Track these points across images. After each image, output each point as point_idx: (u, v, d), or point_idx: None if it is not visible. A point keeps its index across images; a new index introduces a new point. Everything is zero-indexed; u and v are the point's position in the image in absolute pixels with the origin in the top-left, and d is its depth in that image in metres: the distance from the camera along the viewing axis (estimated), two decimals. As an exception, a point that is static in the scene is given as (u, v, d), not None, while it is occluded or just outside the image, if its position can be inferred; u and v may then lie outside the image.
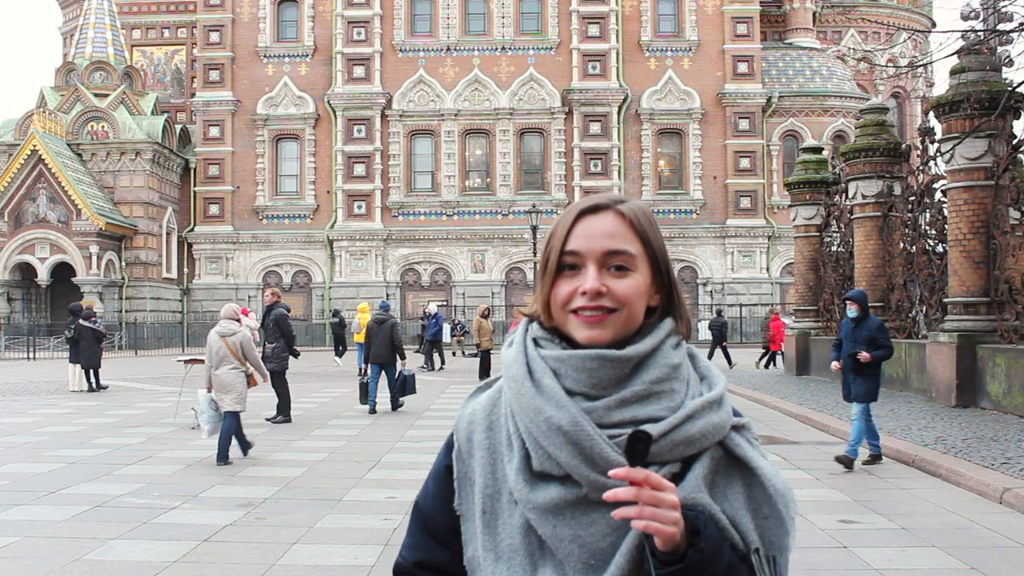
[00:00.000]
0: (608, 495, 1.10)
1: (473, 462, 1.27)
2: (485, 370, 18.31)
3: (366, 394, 13.50)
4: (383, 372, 13.43)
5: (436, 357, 23.45)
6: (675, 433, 1.19)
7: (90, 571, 5.16)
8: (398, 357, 13.39)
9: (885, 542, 5.73)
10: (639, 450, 1.11)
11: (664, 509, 1.09)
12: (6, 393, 16.81)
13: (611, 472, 1.11)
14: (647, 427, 1.17)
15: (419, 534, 1.33)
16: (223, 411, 8.85)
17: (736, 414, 1.26)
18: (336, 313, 26.90)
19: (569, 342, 1.26)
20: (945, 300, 13.37)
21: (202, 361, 10.76)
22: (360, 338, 21.61)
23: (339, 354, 25.21)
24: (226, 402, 8.83)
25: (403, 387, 13.28)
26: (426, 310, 24.04)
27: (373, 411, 13.24)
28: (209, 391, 8.98)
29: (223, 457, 8.74)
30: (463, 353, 29.20)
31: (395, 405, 13.54)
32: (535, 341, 1.28)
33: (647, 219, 1.28)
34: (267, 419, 12.11)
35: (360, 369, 21.45)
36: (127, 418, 12.70)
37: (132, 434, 10.97)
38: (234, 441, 8.96)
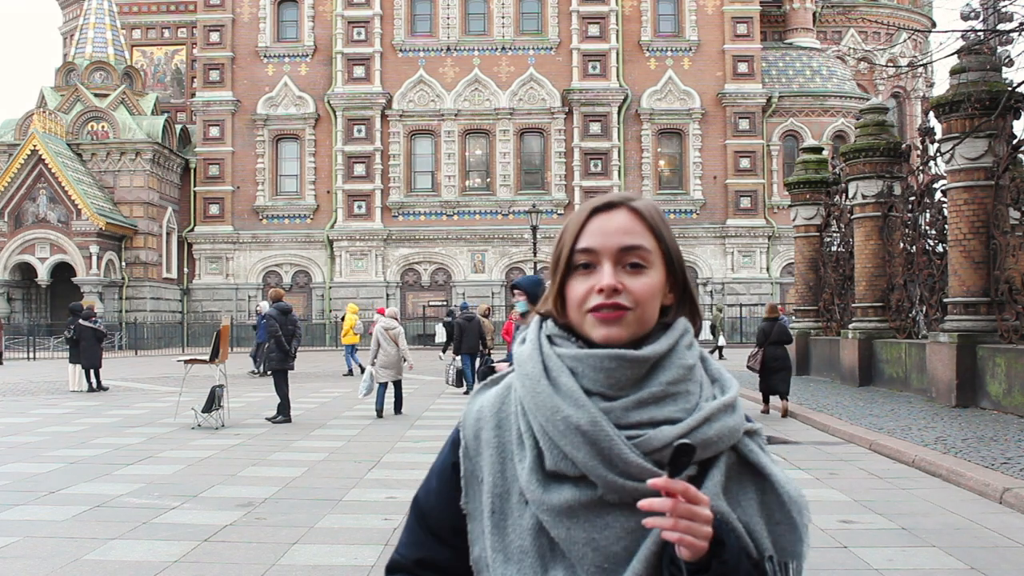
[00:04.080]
0: (643, 504, 1.09)
1: (481, 460, 1.25)
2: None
3: (461, 380, 15.73)
4: (472, 359, 15.90)
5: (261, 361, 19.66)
6: (693, 435, 1.17)
7: (90, 571, 5.15)
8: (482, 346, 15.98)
9: (885, 542, 5.72)
10: (682, 462, 1.10)
11: (699, 523, 1.08)
12: (6, 393, 16.80)
13: (650, 482, 1.09)
14: (666, 429, 1.16)
15: (419, 531, 1.31)
16: (377, 382, 12.36)
17: (747, 419, 1.25)
18: (451, 313, 27.74)
19: (585, 341, 1.24)
20: (945, 300, 13.37)
21: (202, 361, 13.17)
22: (349, 340, 21.38)
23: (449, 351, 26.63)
24: (382, 375, 12.34)
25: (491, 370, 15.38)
26: (257, 308, 21.84)
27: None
28: (372, 366, 12.47)
29: (381, 411, 12.45)
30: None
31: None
32: (550, 339, 1.26)
33: (660, 217, 1.27)
34: (267, 419, 12.12)
35: (349, 368, 21.43)
36: (127, 418, 12.69)
37: (132, 434, 10.96)
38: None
